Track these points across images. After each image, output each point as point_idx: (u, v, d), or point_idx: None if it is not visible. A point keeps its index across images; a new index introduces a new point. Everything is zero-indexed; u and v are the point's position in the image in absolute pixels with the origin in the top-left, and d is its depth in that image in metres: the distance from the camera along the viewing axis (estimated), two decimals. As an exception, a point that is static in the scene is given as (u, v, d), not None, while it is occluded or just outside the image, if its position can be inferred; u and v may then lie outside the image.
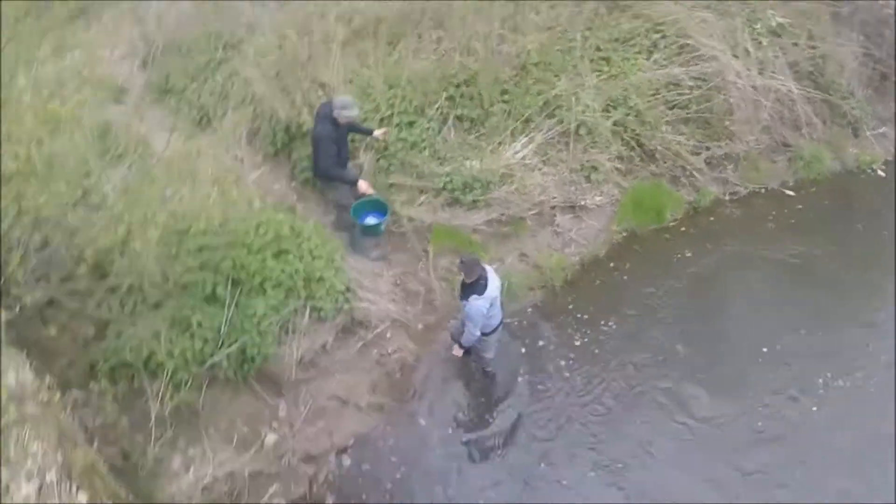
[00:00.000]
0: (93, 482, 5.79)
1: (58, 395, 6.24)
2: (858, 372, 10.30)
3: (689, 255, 11.90)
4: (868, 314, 10.89)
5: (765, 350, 10.61)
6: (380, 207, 10.75)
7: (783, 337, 10.73)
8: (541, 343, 10.94)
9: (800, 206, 12.58)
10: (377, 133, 10.90)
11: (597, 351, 10.77)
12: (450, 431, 10.10)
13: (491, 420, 10.18)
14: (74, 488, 5.68)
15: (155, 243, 8.82)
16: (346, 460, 9.88)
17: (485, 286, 9.16)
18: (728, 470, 9.48)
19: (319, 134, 10.22)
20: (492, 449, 9.93)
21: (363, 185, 10.55)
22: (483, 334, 9.69)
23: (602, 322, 11.11)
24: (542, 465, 9.69)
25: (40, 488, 5.56)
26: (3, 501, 5.24)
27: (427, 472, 9.71)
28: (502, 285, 9.98)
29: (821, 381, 10.27)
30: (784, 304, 11.13)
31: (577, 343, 10.88)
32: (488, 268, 9.43)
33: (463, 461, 9.81)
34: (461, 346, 10.38)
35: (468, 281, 9.17)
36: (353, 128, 10.64)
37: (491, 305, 9.28)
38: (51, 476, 5.62)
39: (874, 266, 11.44)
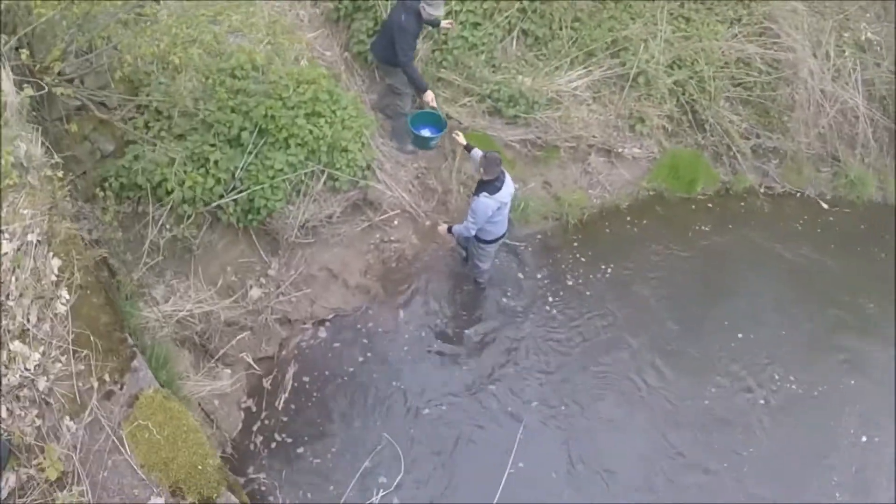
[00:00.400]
0: (69, 253, 5.99)
1: (60, 173, 6.37)
2: (819, 385, 10.34)
3: (706, 229, 11.87)
4: (852, 340, 10.83)
5: (740, 336, 10.67)
6: (438, 122, 10.67)
7: (762, 330, 10.77)
8: (537, 274, 11.04)
9: (830, 219, 12.43)
10: (445, 23, 10.76)
11: (586, 293, 10.87)
12: (423, 334, 10.27)
13: (463, 334, 10.35)
14: (51, 254, 5.95)
15: (195, 66, 8.97)
16: (323, 332, 10.11)
17: (498, 188, 9.28)
18: (661, 443, 9.63)
19: (405, 27, 10.01)
20: (453, 359, 10.11)
21: (429, 96, 10.49)
22: (483, 241, 9.90)
23: (600, 267, 11.19)
24: (493, 385, 9.87)
25: (19, 248, 5.84)
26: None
27: (388, 365, 9.93)
28: (517, 203, 10.11)
29: (777, 378, 10.34)
30: (778, 301, 11.13)
31: (570, 283, 10.97)
32: (507, 174, 9.50)
33: (424, 364, 10.01)
34: (459, 246, 10.71)
35: (486, 178, 9.26)
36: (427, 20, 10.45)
37: (498, 209, 9.39)
38: (32, 237, 5.89)
39: (881, 298, 11.36)
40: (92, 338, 5.82)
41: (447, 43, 11.32)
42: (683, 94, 12.03)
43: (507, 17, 11.62)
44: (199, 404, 8.63)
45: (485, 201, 9.25)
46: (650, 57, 11.79)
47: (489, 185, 9.25)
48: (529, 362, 10.12)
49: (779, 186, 12.65)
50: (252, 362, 9.54)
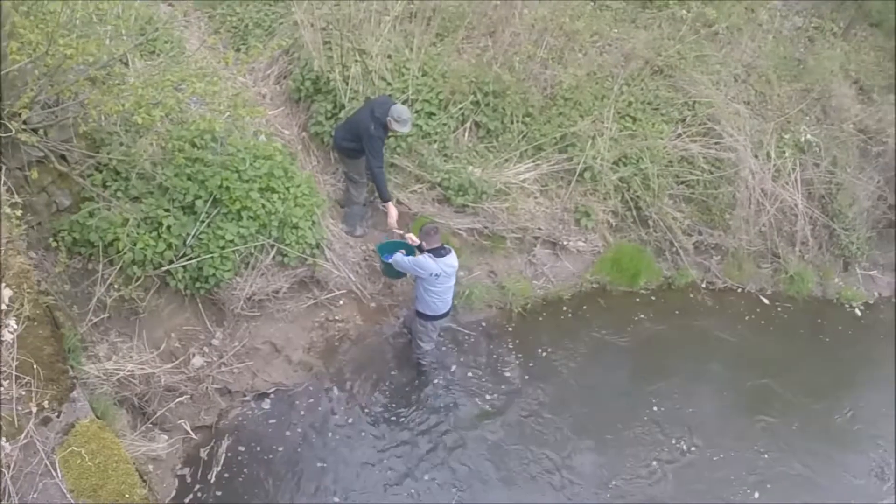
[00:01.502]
0: (20, 286, 6.23)
1: (19, 212, 6.65)
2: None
3: (646, 320, 12.34)
4: (775, 427, 11.20)
5: (655, 409, 11.07)
6: (406, 248, 10.86)
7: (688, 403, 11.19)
8: (478, 361, 11.29)
9: (772, 314, 12.99)
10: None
11: (522, 381, 11.12)
12: (358, 416, 10.36)
13: (398, 420, 10.45)
14: (3, 285, 6.19)
15: (157, 132, 9.30)
16: (262, 406, 10.23)
17: (442, 255, 9.80)
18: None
19: (374, 136, 10.57)
20: (383, 443, 10.15)
21: (393, 213, 10.94)
22: (425, 317, 10.27)
23: (538, 354, 11.50)
24: (420, 472, 9.92)
25: None
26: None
27: (320, 445, 9.98)
28: (462, 290, 10.57)
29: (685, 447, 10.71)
30: (711, 386, 11.59)
31: (507, 374, 11.20)
32: (450, 249, 9.97)
33: (355, 446, 10.04)
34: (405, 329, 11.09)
35: (427, 247, 9.80)
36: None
37: (438, 278, 9.81)
38: None
39: (814, 394, 11.74)
40: (35, 366, 6.03)
41: (400, 129, 11.78)
42: (628, 190, 12.59)
43: (461, 109, 12.20)
44: (134, 464, 8.66)
45: (427, 259, 9.77)
46: (597, 153, 12.37)
47: (433, 251, 9.77)
48: (460, 453, 10.21)
49: (720, 282, 13.23)
50: (189, 430, 9.59)
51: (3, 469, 5.46)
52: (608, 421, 10.81)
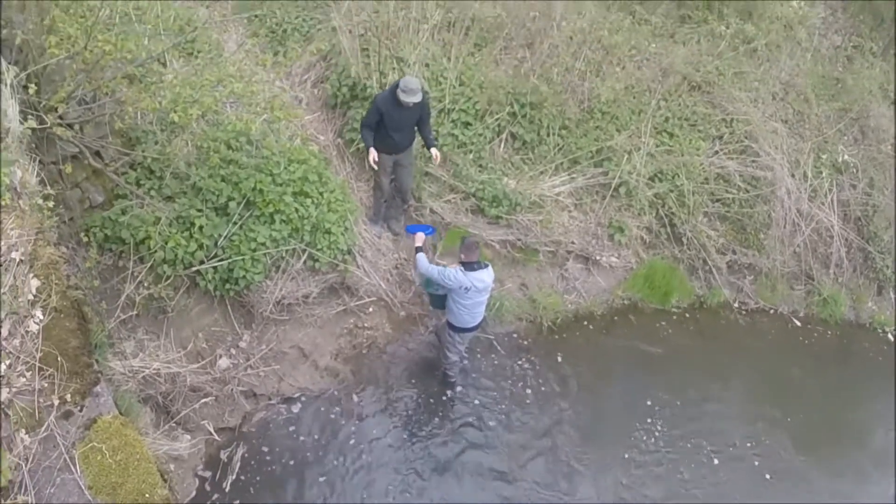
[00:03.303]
0: (49, 277, 6.13)
1: (50, 203, 6.57)
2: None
3: (675, 339, 12.08)
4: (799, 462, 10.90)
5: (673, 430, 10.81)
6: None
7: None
8: (501, 373, 11.07)
9: (801, 338, 12.68)
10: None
11: (552, 393, 10.90)
12: (383, 425, 10.19)
13: (423, 430, 10.26)
14: (31, 275, 6.08)
15: (192, 131, 9.21)
16: (287, 410, 10.03)
17: (474, 269, 9.54)
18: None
19: (377, 96, 10.45)
20: (407, 453, 9.97)
21: (372, 155, 10.52)
22: (454, 329, 10.05)
23: (568, 369, 11.24)
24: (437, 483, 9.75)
25: (2, 263, 5.96)
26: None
27: (344, 452, 9.79)
28: (493, 301, 10.38)
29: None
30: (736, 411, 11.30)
31: (534, 388, 10.95)
32: (487, 265, 9.76)
33: (378, 455, 9.86)
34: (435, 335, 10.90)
35: (465, 261, 9.56)
36: (419, 119, 10.63)
37: (467, 291, 9.58)
38: (15, 255, 6.04)
39: (847, 425, 11.46)
40: (59, 358, 5.88)
41: (437, 140, 11.60)
42: (663, 206, 12.36)
43: (497, 120, 12.03)
44: (155, 463, 8.52)
45: (457, 273, 9.52)
46: (633, 168, 12.15)
47: (467, 265, 9.52)
48: (480, 466, 10.00)
49: (752, 302, 12.91)
50: (213, 431, 9.45)
51: (20, 461, 5.28)
52: (628, 435, 10.63)
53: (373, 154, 10.50)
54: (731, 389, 11.53)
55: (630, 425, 10.75)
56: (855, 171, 13.28)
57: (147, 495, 5.68)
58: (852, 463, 10.96)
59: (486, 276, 9.66)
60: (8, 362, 5.62)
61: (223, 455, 9.45)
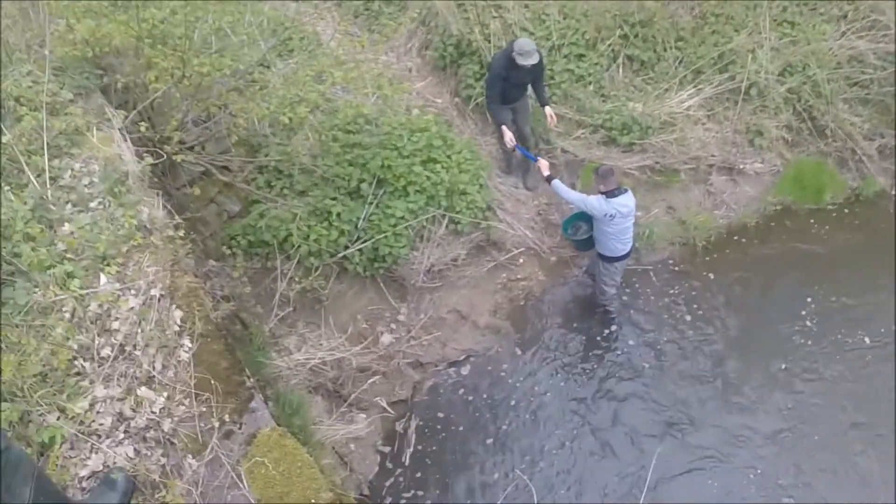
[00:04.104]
0: (190, 305, 6.31)
1: (181, 233, 6.78)
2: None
3: (838, 238, 11.43)
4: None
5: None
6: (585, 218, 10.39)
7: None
8: (667, 300, 10.78)
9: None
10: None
11: (719, 315, 10.54)
12: (553, 369, 10.14)
13: (594, 366, 10.13)
14: (173, 306, 6.25)
15: (309, 125, 9.32)
16: (455, 373, 10.11)
17: (615, 195, 9.31)
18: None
19: (491, 65, 10.30)
20: (581, 390, 9.92)
21: (508, 135, 10.37)
22: (607, 259, 9.87)
23: (732, 287, 10.85)
24: (622, 413, 9.64)
25: (144, 302, 6.16)
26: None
27: (516, 403, 9.79)
28: (643, 230, 10.35)
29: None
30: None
31: (700, 311, 10.62)
32: (626, 189, 9.51)
33: (552, 397, 9.84)
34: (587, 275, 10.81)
35: (604, 190, 9.30)
36: (533, 80, 10.45)
37: (612, 218, 9.36)
38: (155, 292, 6.22)
39: None
40: (212, 381, 6.03)
41: (554, 77, 11.34)
42: (799, 101, 11.66)
43: (609, 46, 11.62)
44: (333, 448, 8.74)
45: (598, 200, 9.31)
46: (759, 67, 11.49)
47: (607, 193, 9.29)
48: (658, 393, 9.82)
49: (911, 188, 11.95)
50: (386, 406, 9.59)
51: (190, 486, 5.49)
52: (824, 361, 10.03)
53: (508, 135, 10.37)
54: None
55: (789, 331, 10.32)
56: None
57: (313, 500, 5.82)
58: None
59: (628, 201, 9.39)
60: (166, 394, 5.83)
61: (398, 427, 9.58)
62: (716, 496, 8.78)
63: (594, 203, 9.32)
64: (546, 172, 9.93)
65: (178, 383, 5.99)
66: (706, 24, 11.88)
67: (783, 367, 9.90)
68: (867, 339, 10.10)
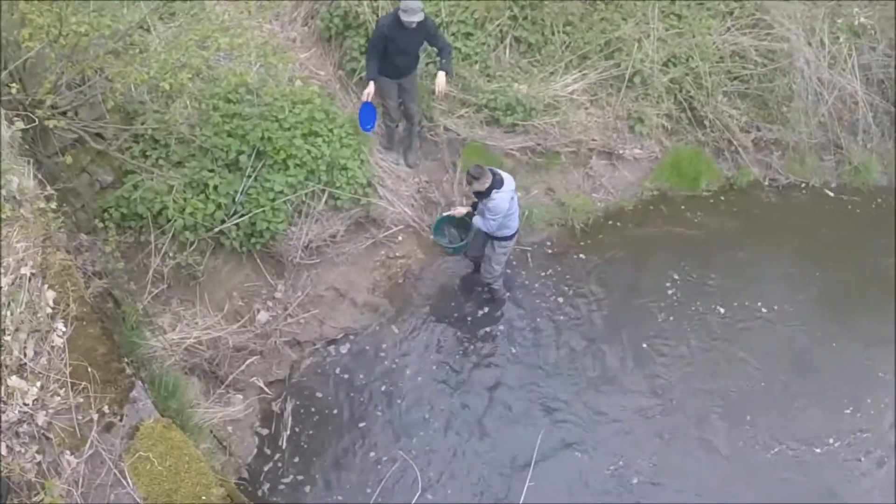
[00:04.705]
0: (64, 285, 5.88)
1: (53, 205, 6.32)
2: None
3: (710, 224, 11.78)
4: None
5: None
6: (453, 220, 10.43)
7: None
8: (544, 281, 10.87)
9: (837, 208, 12.32)
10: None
11: (594, 297, 10.75)
12: (432, 348, 10.15)
13: (473, 346, 10.17)
14: (45, 286, 5.83)
15: (189, 93, 8.90)
16: (333, 352, 9.95)
17: (501, 182, 9.21)
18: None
19: (379, 21, 10.04)
20: (461, 368, 9.96)
21: (369, 88, 9.98)
22: (502, 239, 9.78)
23: (607, 269, 11.06)
24: (508, 391, 9.77)
25: (13, 282, 5.74)
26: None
27: (397, 382, 9.79)
28: (522, 210, 10.16)
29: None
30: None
31: (578, 291, 10.81)
32: (501, 171, 9.42)
33: (432, 377, 9.85)
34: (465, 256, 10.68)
35: (482, 189, 9.17)
36: (428, 41, 10.26)
37: (512, 199, 9.34)
38: (26, 270, 5.79)
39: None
40: (90, 369, 5.65)
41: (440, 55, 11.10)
42: (680, 91, 11.82)
43: (498, 26, 11.46)
44: (211, 431, 8.46)
45: (499, 196, 9.18)
46: (644, 56, 11.58)
47: (491, 187, 9.15)
48: (532, 372, 9.96)
49: (783, 178, 12.41)
50: (263, 386, 9.36)
51: (70, 486, 5.11)
52: (685, 334, 10.43)
53: (370, 88, 9.97)
54: (763, 263, 11.33)
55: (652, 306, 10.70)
56: (873, 32, 12.43)
57: (203, 497, 5.52)
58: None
59: (510, 182, 9.38)
60: (39, 384, 5.41)
61: (275, 408, 9.38)
62: (586, 472, 9.13)
63: (501, 206, 9.22)
64: (463, 211, 10.13)
65: (52, 371, 5.63)
66: (595, 11, 11.90)
67: (644, 345, 10.31)
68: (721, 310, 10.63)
